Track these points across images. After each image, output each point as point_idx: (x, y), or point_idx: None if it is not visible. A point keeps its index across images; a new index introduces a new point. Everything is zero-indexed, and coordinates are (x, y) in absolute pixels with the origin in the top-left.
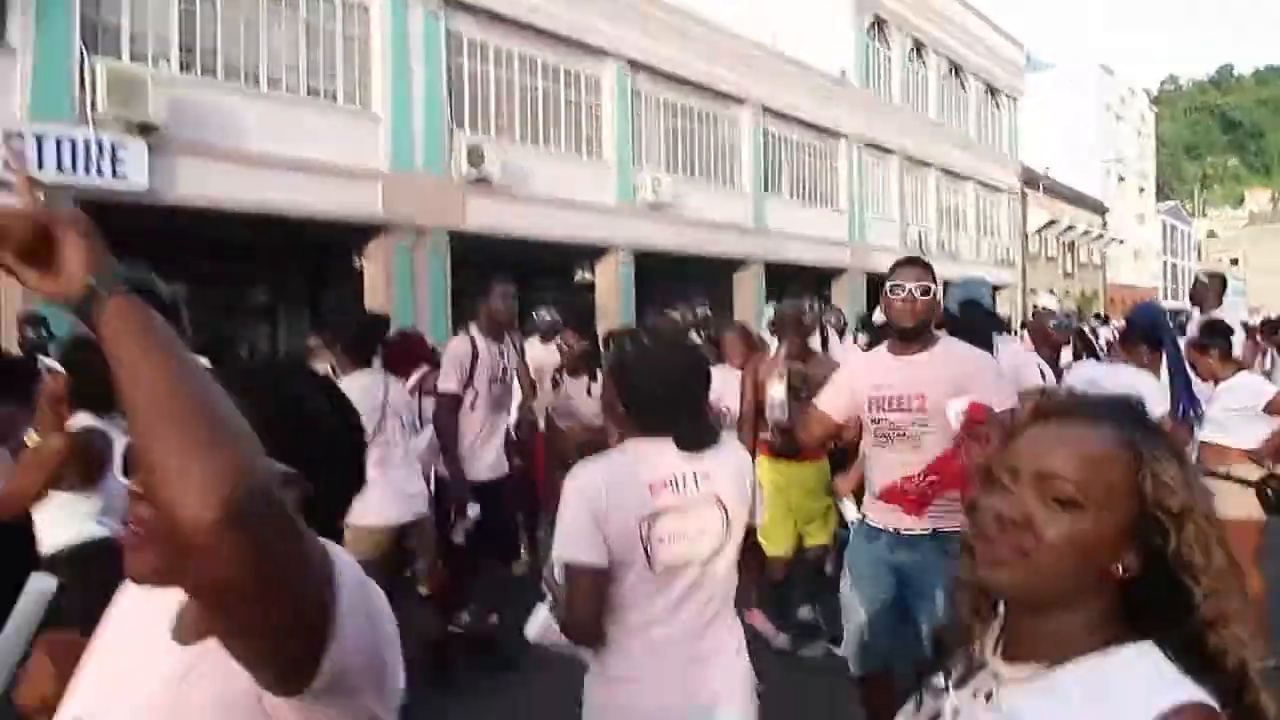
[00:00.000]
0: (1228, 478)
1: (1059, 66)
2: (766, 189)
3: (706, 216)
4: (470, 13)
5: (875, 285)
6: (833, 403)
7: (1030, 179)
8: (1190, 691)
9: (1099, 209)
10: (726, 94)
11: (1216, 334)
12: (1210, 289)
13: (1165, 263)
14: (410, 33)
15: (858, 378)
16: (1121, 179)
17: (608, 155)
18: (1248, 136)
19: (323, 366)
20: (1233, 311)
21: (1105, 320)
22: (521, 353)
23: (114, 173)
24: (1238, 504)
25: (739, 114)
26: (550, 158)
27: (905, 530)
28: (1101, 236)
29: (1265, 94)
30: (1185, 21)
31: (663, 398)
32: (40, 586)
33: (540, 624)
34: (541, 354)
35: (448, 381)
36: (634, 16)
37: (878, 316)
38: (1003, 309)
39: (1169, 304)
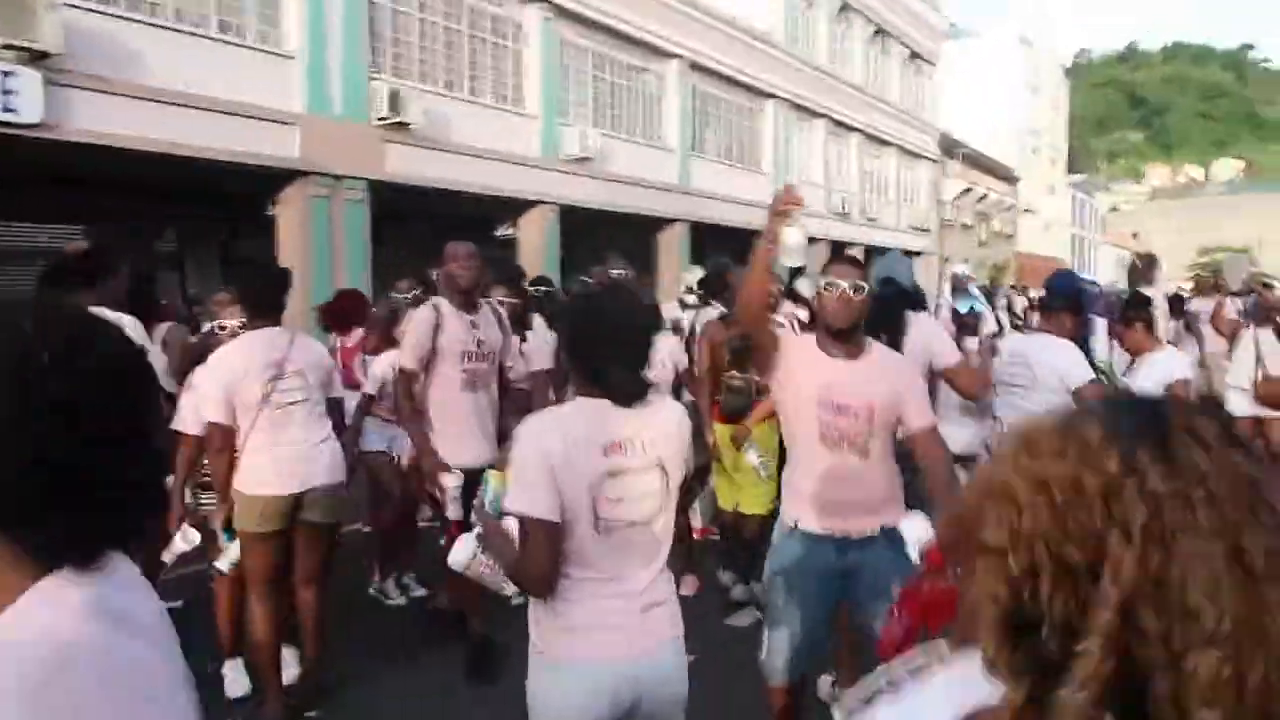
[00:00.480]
0: None
1: (978, 35)
2: (693, 148)
3: (633, 174)
4: None
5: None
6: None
7: (948, 147)
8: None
9: (1012, 179)
10: (655, 47)
11: (1140, 306)
12: (1144, 268)
13: (1073, 235)
14: None
15: (805, 370)
16: (1035, 150)
17: (532, 107)
18: (1152, 113)
19: (233, 322)
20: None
21: (1023, 290)
22: (514, 324)
23: (3, 105)
24: None
25: (666, 69)
26: (473, 107)
27: (856, 534)
28: (1014, 207)
29: (1170, 72)
30: None
31: (606, 343)
32: None
33: (466, 553)
34: None
35: (404, 357)
36: None
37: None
38: (919, 277)
39: (1083, 275)
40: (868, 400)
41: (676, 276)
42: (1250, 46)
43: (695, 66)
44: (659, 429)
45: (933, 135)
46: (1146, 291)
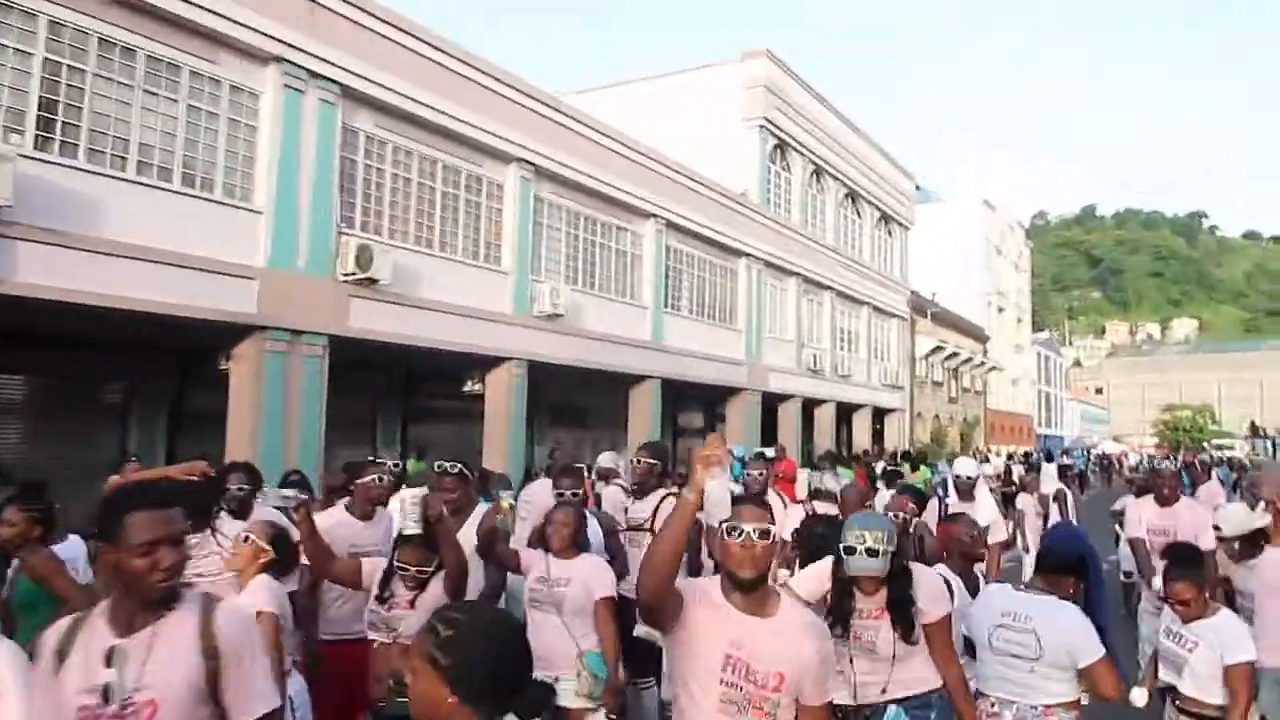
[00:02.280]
0: None
1: (944, 199)
2: (667, 304)
3: (605, 329)
4: (369, 106)
5: (770, 406)
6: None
7: (918, 305)
8: None
9: (981, 337)
10: (630, 206)
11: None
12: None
13: (1040, 391)
14: (303, 124)
15: (708, 626)
16: (1001, 310)
17: (506, 263)
18: (1109, 273)
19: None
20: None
21: (986, 459)
22: None
23: None
24: None
25: (642, 228)
26: (445, 263)
27: None
28: (983, 364)
29: (1123, 235)
30: (1055, 160)
31: (499, 673)
32: None
33: None
34: None
35: None
36: (540, 124)
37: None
38: (890, 433)
39: (1041, 430)
40: (776, 668)
41: (649, 431)
42: (1202, 214)
43: (671, 225)
44: None
45: (903, 294)
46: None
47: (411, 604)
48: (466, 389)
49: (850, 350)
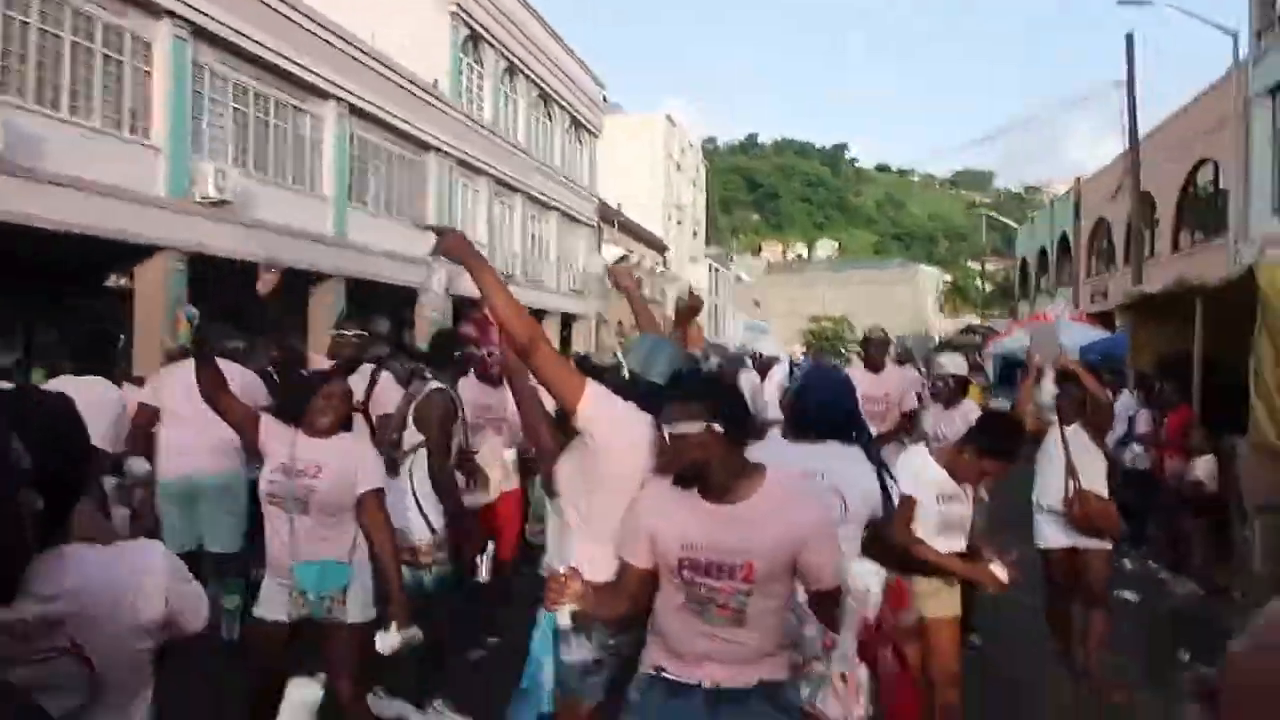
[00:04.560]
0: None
1: (630, 112)
2: (351, 198)
3: (282, 221)
4: None
5: (459, 308)
6: (637, 551)
7: (606, 214)
8: None
9: (661, 248)
10: (309, 85)
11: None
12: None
13: (712, 302)
14: None
15: (658, 526)
16: (679, 223)
17: (156, 137)
18: (766, 197)
19: None
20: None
21: None
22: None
23: None
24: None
25: (322, 110)
26: (75, 131)
27: (725, 684)
28: (664, 274)
29: (781, 162)
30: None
31: None
32: (305, 696)
33: None
34: None
35: None
36: None
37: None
38: (577, 339)
39: (713, 339)
40: (745, 558)
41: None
42: (844, 147)
43: (355, 111)
44: None
45: (592, 202)
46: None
47: None
48: (110, 284)
49: (541, 256)
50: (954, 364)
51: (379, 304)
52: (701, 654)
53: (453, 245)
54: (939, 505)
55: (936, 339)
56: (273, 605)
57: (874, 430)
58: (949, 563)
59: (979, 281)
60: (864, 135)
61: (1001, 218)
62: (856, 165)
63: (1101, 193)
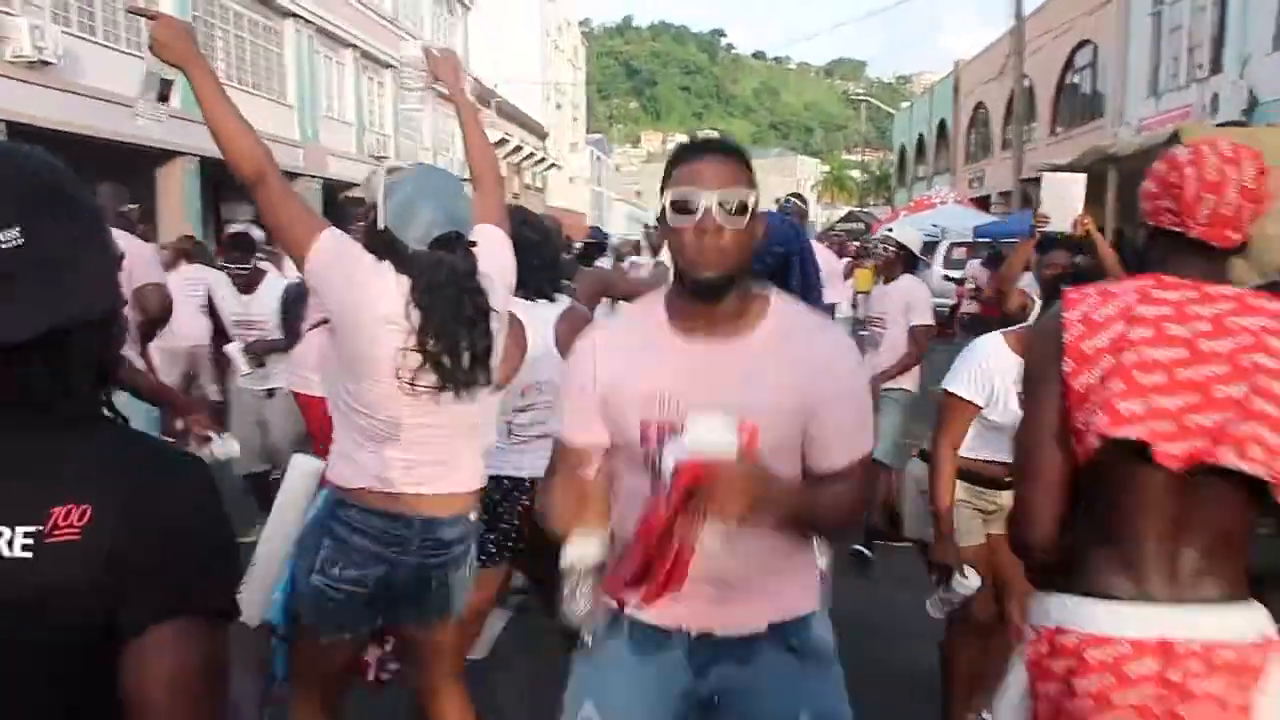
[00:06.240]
0: None
1: None
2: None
3: (118, 90)
4: None
5: (331, 194)
6: (579, 418)
7: (482, 95)
8: None
9: (541, 133)
10: None
11: None
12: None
13: (593, 190)
14: None
15: (614, 374)
16: (559, 106)
17: None
18: (645, 84)
19: None
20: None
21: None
22: None
23: None
24: None
25: None
26: None
27: (720, 630)
28: (544, 160)
29: (658, 47)
30: None
31: None
32: (306, 467)
33: None
34: None
35: None
36: None
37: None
38: None
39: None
40: (747, 415)
41: (185, 218)
42: (721, 32)
43: None
44: None
45: (467, 82)
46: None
47: None
48: None
49: (416, 139)
50: (903, 232)
51: (241, 186)
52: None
53: (164, 37)
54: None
55: (818, 228)
56: None
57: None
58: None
59: (855, 172)
60: (741, 18)
61: (881, 104)
62: (734, 52)
63: (981, 76)
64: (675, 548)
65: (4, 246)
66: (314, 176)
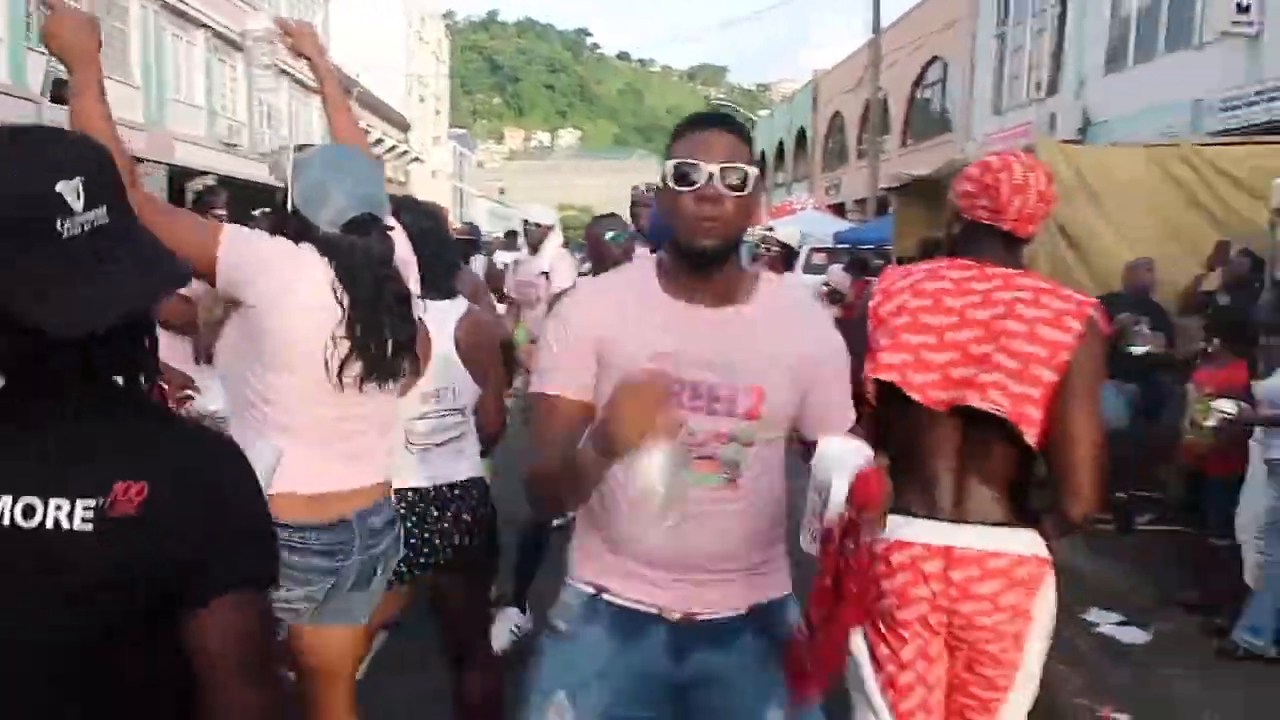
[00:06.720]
0: None
1: None
2: (28, 40)
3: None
4: None
5: (178, 181)
6: (571, 373)
7: (344, 84)
8: None
9: (403, 125)
10: None
11: None
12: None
13: (455, 186)
14: None
15: (610, 330)
16: (422, 99)
17: None
18: (508, 80)
19: None
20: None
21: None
22: None
23: None
24: None
25: None
26: None
27: (705, 615)
28: (406, 153)
29: (524, 44)
30: None
31: None
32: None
33: None
34: None
35: None
36: None
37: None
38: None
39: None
40: (748, 380)
41: None
42: (586, 31)
43: None
44: None
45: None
46: None
47: None
48: None
49: (271, 127)
50: (785, 232)
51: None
52: (669, 558)
53: (57, 28)
54: None
55: None
56: None
57: None
58: None
59: None
60: (605, 18)
61: (742, 109)
62: (599, 52)
63: (839, 87)
64: (861, 557)
65: (98, 224)
66: (158, 163)
